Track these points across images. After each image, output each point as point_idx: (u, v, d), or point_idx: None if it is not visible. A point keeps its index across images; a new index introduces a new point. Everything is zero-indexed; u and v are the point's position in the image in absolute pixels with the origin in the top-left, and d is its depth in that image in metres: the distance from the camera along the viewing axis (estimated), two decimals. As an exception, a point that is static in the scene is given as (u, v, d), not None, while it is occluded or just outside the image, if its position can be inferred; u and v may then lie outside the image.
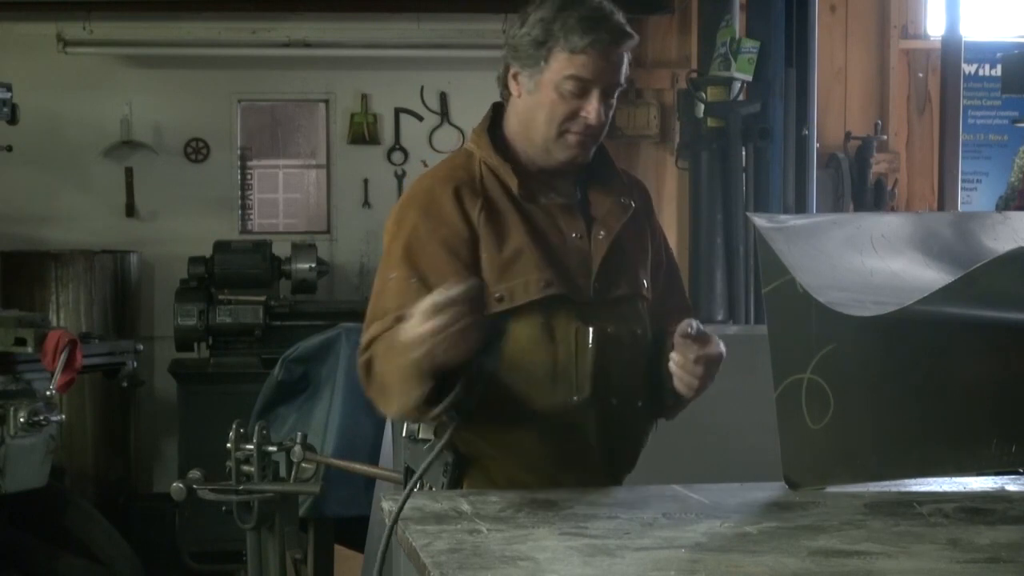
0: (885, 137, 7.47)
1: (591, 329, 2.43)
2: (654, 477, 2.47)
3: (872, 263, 2.28)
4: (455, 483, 2.47)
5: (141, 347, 5.89)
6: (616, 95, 2.45)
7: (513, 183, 2.47)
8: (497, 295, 2.41)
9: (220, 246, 6.70)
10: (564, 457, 2.47)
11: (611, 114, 2.46)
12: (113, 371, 5.63)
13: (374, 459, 4.11)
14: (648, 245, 2.59)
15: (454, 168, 2.54)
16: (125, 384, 5.76)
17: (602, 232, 2.50)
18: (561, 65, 2.41)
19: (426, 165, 7.48)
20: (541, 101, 2.45)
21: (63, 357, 4.80)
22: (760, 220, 2.35)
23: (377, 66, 7.30)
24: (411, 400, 2.24)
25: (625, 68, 2.44)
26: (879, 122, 7.45)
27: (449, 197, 2.45)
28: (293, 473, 3.78)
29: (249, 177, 7.47)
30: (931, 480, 2.41)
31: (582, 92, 2.42)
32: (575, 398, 2.43)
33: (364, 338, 2.40)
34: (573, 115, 2.44)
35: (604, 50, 2.40)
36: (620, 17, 2.44)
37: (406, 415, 2.40)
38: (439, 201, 2.46)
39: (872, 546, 1.93)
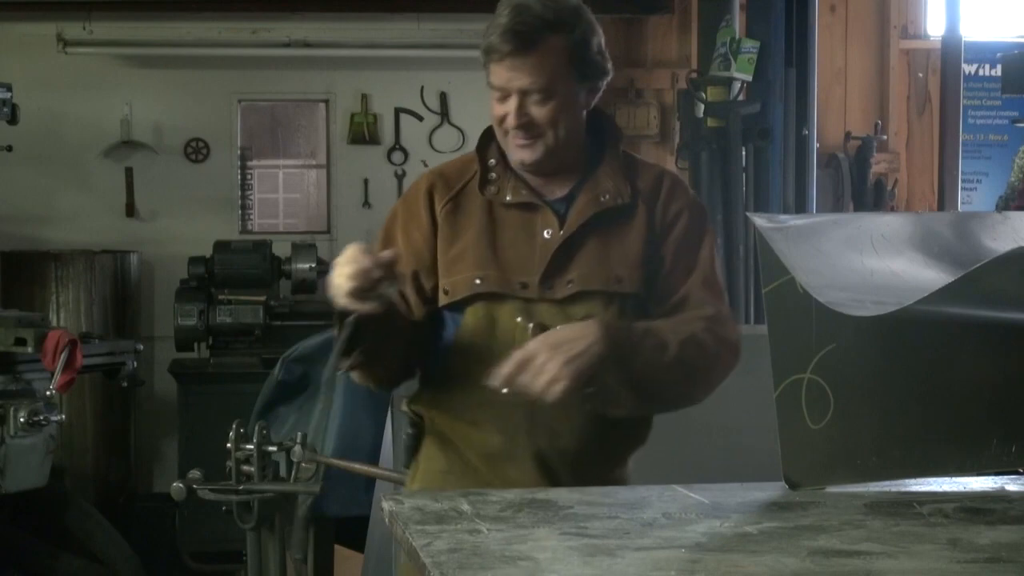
0: (885, 137, 7.47)
1: (530, 326, 2.48)
2: (654, 477, 2.47)
3: (872, 263, 2.28)
4: (412, 453, 2.64)
5: (141, 347, 5.89)
6: (550, 94, 2.46)
7: (477, 180, 2.56)
8: (444, 288, 2.54)
9: (220, 246, 6.70)
10: (495, 448, 2.54)
11: (550, 113, 2.47)
12: (113, 371, 5.63)
13: (374, 459, 4.11)
14: (642, 240, 2.56)
15: (453, 163, 2.66)
16: (125, 384, 5.76)
17: (561, 231, 2.52)
18: (489, 72, 2.50)
19: (426, 165, 7.47)
20: (490, 106, 2.54)
21: (63, 357, 4.80)
22: (760, 220, 2.34)
23: (377, 66, 7.30)
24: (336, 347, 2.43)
25: (548, 69, 2.45)
26: (879, 122, 7.45)
27: (424, 191, 2.59)
28: (293, 473, 3.78)
29: (249, 177, 7.47)
30: (931, 480, 2.41)
31: (503, 97, 2.49)
32: (504, 390, 2.44)
33: None
34: (503, 119, 2.51)
35: (505, 60, 2.45)
36: (529, 19, 2.43)
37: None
38: (416, 194, 2.60)
39: (872, 546, 1.93)
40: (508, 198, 2.54)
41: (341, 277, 2.33)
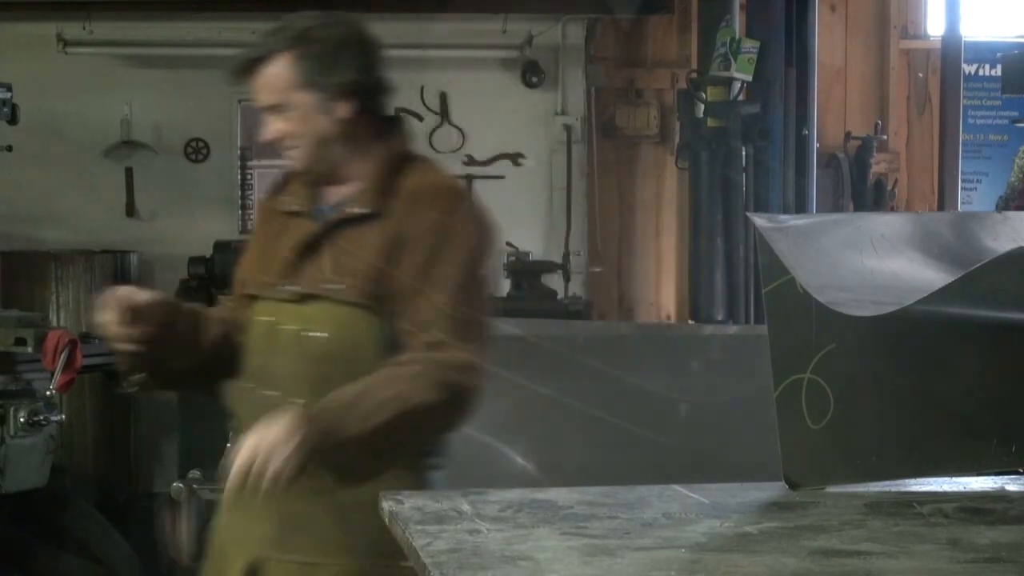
0: (885, 137, 7.47)
1: (263, 322, 2.65)
2: (654, 477, 2.47)
3: (872, 263, 2.28)
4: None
5: (141, 347, 5.88)
6: (282, 109, 2.59)
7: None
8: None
9: (220, 246, 6.69)
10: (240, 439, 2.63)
11: (288, 126, 2.60)
12: (113, 371, 5.62)
13: (374, 459, 4.11)
14: (377, 250, 2.56)
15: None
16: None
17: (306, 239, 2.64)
18: None
19: (426, 165, 7.51)
20: None
21: (63, 357, 4.80)
22: (760, 220, 2.34)
23: (377, 66, 7.30)
24: None
25: (276, 86, 2.59)
26: (879, 122, 7.46)
27: (261, 203, 2.87)
28: (293, 473, 3.77)
29: (249, 177, 7.47)
30: (931, 480, 2.40)
31: None
32: (243, 384, 2.64)
33: None
34: None
35: (245, 82, 2.64)
36: (263, 42, 2.60)
37: None
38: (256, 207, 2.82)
39: (872, 546, 1.93)
40: (285, 207, 2.71)
41: (104, 322, 2.56)
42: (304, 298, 2.59)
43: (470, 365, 2.52)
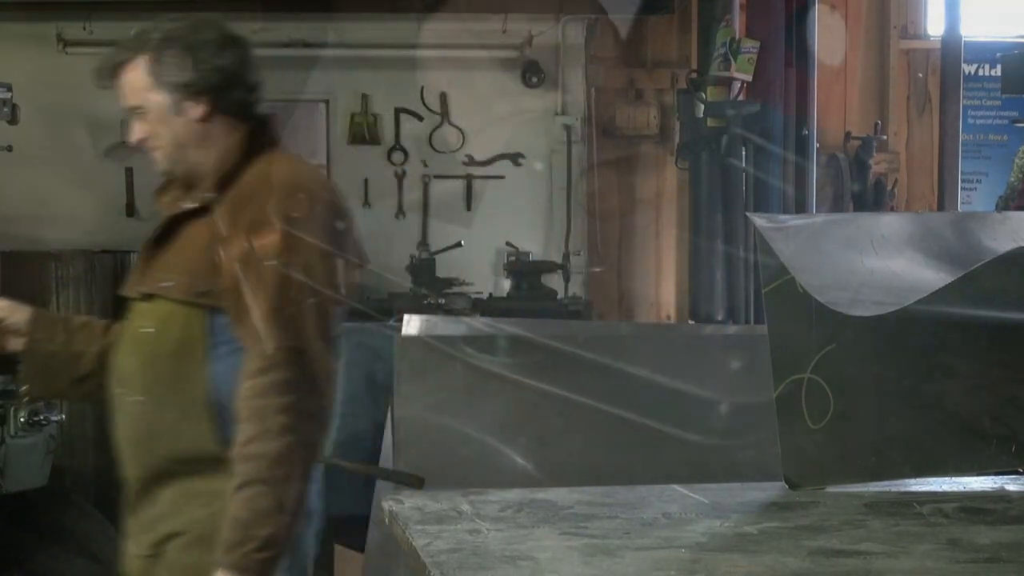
0: (885, 137, 7.47)
1: (126, 323, 2.66)
2: (654, 477, 2.47)
3: (872, 263, 2.28)
4: None
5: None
6: (142, 111, 2.63)
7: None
8: None
9: (220, 246, 6.69)
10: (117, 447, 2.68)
11: (147, 128, 2.63)
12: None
13: (374, 458, 4.11)
14: (203, 248, 2.55)
15: None
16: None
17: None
18: None
19: (426, 165, 7.50)
20: None
21: (63, 357, 4.80)
22: (760, 220, 2.35)
23: (377, 66, 7.30)
24: None
25: (134, 88, 2.64)
26: (879, 122, 7.45)
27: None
28: (293, 473, 3.77)
29: (249, 177, 7.46)
30: (931, 480, 2.41)
31: None
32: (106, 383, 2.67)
33: None
34: None
35: (110, 86, 2.68)
36: (123, 44, 2.70)
37: None
38: None
39: (872, 546, 1.93)
40: (157, 208, 2.72)
41: None
42: (147, 297, 2.60)
43: (291, 375, 2.45)
